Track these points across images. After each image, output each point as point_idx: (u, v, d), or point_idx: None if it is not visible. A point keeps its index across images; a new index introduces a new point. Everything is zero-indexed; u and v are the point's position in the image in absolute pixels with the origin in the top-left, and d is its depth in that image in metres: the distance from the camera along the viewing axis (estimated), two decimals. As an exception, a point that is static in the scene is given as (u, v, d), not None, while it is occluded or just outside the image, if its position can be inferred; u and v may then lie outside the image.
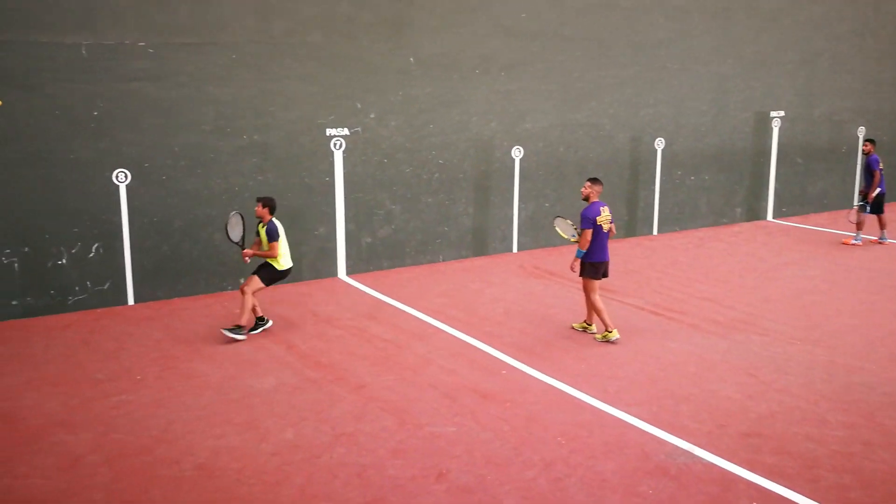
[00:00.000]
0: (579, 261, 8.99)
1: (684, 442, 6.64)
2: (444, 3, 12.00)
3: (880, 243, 14.04)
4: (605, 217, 8.92)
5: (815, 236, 14.75)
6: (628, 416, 7.13)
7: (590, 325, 9.31)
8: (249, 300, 8.84)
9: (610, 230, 9.04)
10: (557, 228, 9.53)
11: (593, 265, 8.97)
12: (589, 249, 8.92)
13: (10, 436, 6.61)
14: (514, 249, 13.28)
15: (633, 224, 14.58)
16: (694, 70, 14.78)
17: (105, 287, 9.98)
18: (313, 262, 11.46)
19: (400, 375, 8.01)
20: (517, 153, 13.00)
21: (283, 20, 10.75)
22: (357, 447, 6.49)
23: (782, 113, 15.99)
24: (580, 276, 9.08)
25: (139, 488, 5.83)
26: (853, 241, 13.98)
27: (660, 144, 14.54)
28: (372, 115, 11.62)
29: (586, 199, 8.99)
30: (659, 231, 14.87)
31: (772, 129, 15.97)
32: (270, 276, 9.01)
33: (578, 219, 9.08)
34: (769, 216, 16.39)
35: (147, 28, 9.88)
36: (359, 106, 11.50)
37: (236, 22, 10.44)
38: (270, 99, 10.81)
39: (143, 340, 8.88)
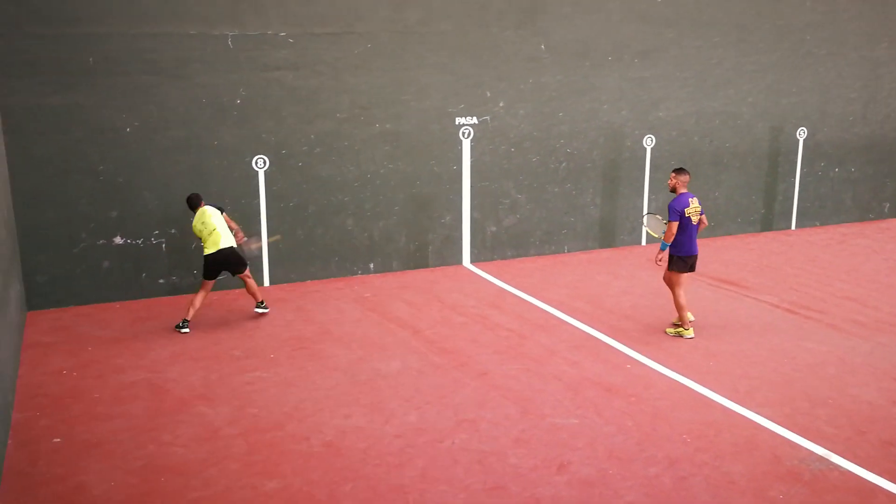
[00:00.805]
0: (665, 254, 8.76)
1: (820, 447, 6.36)
2: (579, -12, 11.85)
3: None
4: (693, 209, 8.60)
5: (974, 234, 13.68)
6: (759, 417, 6.88)
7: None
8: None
9: (701, 222, 8.73)
10: (647, 228, 9.34)
11: (682, 259, 8.70)
12: (677, 242, 8.67)
13: (156, 406, 7.08)
14: (643, 242, 12.98)
15: (770, 218, 13.96)
16: (842, 55, 13.94)
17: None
18: (439, 249, 11.62)
19: (523, 365, 8.02)
20: (649, 142, 12.70)
21: (417, 9, 10.90)
22: (479, 434, 6.56)
23: (941, 101, 14.87)
24: (668, 269, 8.83)
25: (271, 462, 6.12)
26: None
27: (802, 134, 13.83)
28: (501, 104, 11.63)
29: (673, 190, 8.71)
30: (797, 226, 14.17)
31: (929, 118, 14.88)
32: (203, 265, 9.06)
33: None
34: (923, 212, 15.31)
35: (288, 19, 10.26)
36: (488, 94, 11.53)
37: (372, 11, 10.67)
38: (403, 87, 11.00)
39: (277, 321, 9.28)
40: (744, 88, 13.26)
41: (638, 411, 6.99)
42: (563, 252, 12.46)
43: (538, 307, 9.84)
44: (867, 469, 6.02)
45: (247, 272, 9.21)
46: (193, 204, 9.16)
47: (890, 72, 14.39)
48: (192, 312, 8.94)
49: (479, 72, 11.42)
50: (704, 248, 12.61)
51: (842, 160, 14.36)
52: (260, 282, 10.59)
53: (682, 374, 7.77)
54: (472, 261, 11.82)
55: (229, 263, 9.01)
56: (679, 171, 8.74)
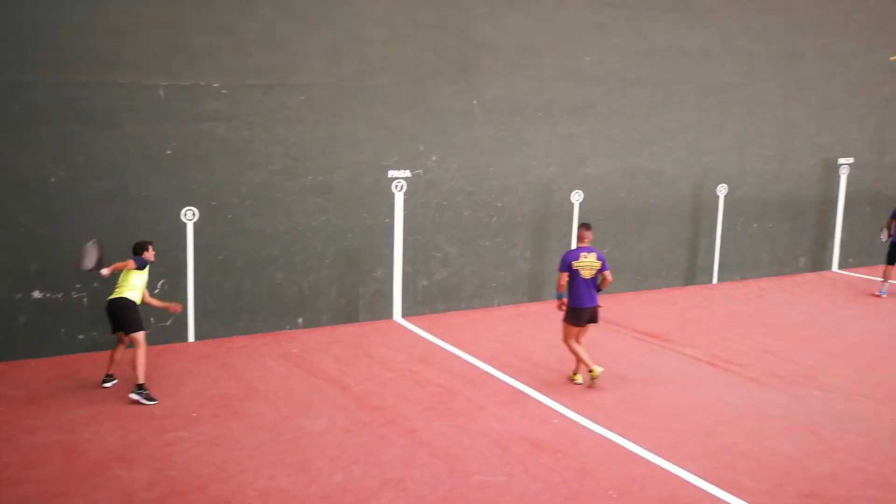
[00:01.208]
0: (562, 303, 9.12)
1: (741, 501, 6.50)
2: (511, 46, 12.14)
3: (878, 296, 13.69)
4: (583, 263, 8.88)
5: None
6: (683, 471, 7.00)
7: (576, 374, 9.24)
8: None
9: (605, 278, 9.01)
10: None
11: (572, 310, 9.00)
12: (568, 294, 8.99)
13: (69, 469, 6.82)
14: (572, 294, 13.18)
15: (693, 272, 14.36)
16: (760, 115, 14.58)
17: (167, 324, 10.23)
18: (370, 303, 11.57)
19: (451, 421, 8.01)
20: (576, 197, 12.98)
21: (352, 62, 11.02)
22: (405, 493, 6.50)
23: (851, 160, 15.61)
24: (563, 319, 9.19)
25: (191, 526, 5.94)
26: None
27: (722, 191, 14.34)
28: (434, 158, 11.78)
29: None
30: (719, 280, 14.59)
31: (839, 176, 15.59)
32: None
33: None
34: (834, 267, 15.93)
35: (222, 69, 10.22)
36: (421, 148, 11.67)
37: (307, 64, 10.73)
38: (336, 140, 11.05)
39: (201, 378, 9.08)
40: (667, 146, 13.72)
41: (564, 467, 7.04)
42: (494, 306, 12.56)
43: (468, 362, 9.87)
44: (784, 523, 6.18)
45: (137, 338, 8.33)
46: (135, 251, 8.55)
47: (803, 131, 15.09)
48: (111, 367, 8.74)
49: (412, 125, 11.56)
50: (630, 301, 12.90)
51: (760, 216, 14.90)
52: (185, 337, 10.36)
53: (608, 429, 7.86)
54: (404, 315, 11.81)
55: (115, 317, 8.44)
56: (581, 225, 9.22)
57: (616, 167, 13.30)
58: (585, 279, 8.88)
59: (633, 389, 8.98)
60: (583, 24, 12.69)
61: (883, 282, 13.79)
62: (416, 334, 11.02)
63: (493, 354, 10.13)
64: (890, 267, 13.71)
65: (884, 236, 13.96)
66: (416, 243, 11.80)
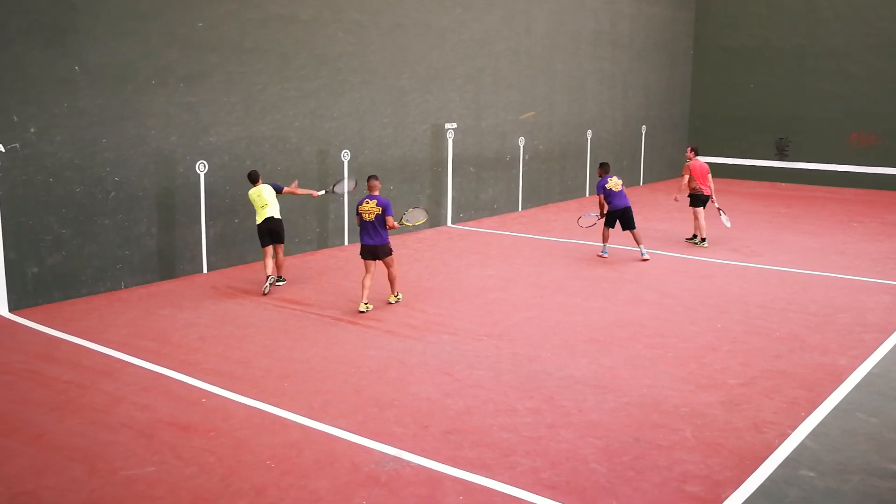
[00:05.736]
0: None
1: (392, 448, 6.81)
2: (112, 8, 11.15)
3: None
4: (365, 208, 10.46)
5: (488, 238, 15.98)
6: (336, 429, 7.16)
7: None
8: None
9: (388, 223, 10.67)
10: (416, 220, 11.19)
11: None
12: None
13: None
14: (205, 270, 12.71)
15: (325, 236, 14.69)
16: (374, 83, 15.26)
17: None
18: (-32, 298, 10.01)
19: (86, 418, 7.28)
20: (202, 168, 12.47)
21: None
22: (40, 506, 5.78)
23: (455, 125, 17.11)
24: None
25: None
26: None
27: (345, 156, 14.81)
28: (32, 130, 10.44)
29: None
30: (349, 241, 15.14)
31: (447, 140, 17.01)
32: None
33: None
34: (449, 222, 17.44)
35: None
36: (15, 119, 10.27)
37: None
38: None
39: None
40: (289, 113, 13.75)
41: (219, 445, 6.80)
42: (121, 288, 11.61)
43: (98, 352, 9.02)
44: (433, 459, 6.61)
45: (281, 247, 11.72)
46: (252, 179, 11.77)
47: (413, 99, 16.15)
48: (269, 270, 11.46)
49: (2, 94, 10.10)
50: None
51: (382, 179, 15.59)
52: None
53: (259, 400, 7.76)
54: (12, 309, 10.40)
55: (273, 232, 11.58)
56: (369, 177, 10.95)
57: (240, 136, 13.01)
58: (366, 221, 10.55)
59: (279, 356, 8.95)
60: (193, -13, 12.13)
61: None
62: (30, 329, 9.78)
63: (127, 340, 9.39)
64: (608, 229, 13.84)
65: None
66: (20, 226, 10.42)
